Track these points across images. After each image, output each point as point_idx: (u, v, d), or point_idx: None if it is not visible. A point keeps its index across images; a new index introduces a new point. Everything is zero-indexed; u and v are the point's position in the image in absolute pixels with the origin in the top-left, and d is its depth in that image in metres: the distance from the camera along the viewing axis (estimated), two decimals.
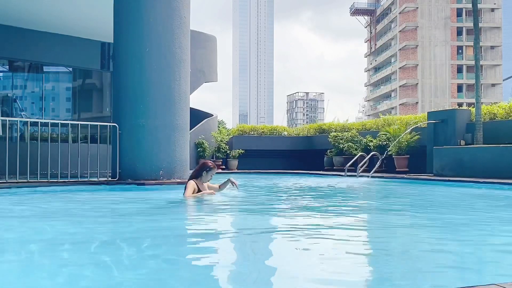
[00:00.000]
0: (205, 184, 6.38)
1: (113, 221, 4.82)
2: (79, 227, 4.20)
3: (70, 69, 15.18)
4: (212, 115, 19.73)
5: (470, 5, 51.90)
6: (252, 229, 4.14)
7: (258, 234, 3.84)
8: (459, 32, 67.55)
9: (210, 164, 6.36)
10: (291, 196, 7.66)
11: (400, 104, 69.35)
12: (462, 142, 12.14)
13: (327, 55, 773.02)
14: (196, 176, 6.31)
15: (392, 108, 72.23)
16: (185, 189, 6.23)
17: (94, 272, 2.50)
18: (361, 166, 13.41)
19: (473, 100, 14.44)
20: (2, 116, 12.43)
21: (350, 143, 16.00)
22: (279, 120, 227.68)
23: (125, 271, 2.55)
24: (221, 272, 2.61)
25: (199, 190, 6.24)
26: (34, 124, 12.44)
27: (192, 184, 6.18)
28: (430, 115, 13.52)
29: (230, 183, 6.61)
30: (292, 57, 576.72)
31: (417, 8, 67.98)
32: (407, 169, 13.80)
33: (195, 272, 2.59)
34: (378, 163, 13.48)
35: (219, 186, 6.76)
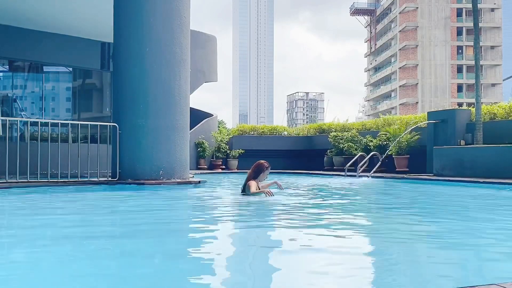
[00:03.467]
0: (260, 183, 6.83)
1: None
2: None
3: (70, 69, 15.18)
4: (212, 115, 19.74)
5: (470, 5, 51.90)
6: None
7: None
8: (459, 32, 67.55)
9: (266, 164, 6.77)
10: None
11: (400, 104, 69.36)
12: (462, 142, 12.14)
13: (325, 55, 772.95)
14: (254, 177, 6.70)
15: (392, 108, 72.23)
16: (248, 188, 6.58)
17: None
18: (361, 166, 13.41)
19: (473, 100, 14.44)
20: (2, 116, 12.43)
21: (350, 143, 16.01)
22: (279, 120, 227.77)
23: None
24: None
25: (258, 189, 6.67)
26: (34, 124, 12.44)
27: (254, 183, 6.63)
28: (430, 115, 13.52)
29: (275, 185, 7.07)
30: (291, 57, 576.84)
31: (417, 8, 67.97)
32: (407, 169, 13.81)
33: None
34: (378, 163, 13.48)
35: (261, 187, 7.00)
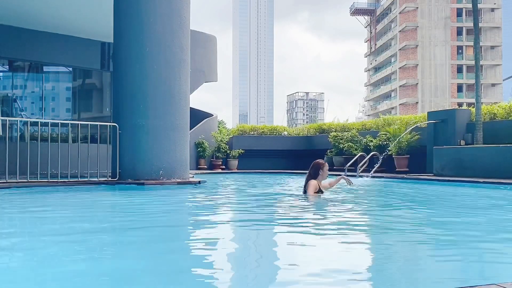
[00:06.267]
0: (322, 182, 6.76)
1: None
2: None
3: (70, 69, 15.17)
4: (212, 115, 19.73)
5: (470, 5, 51.89)
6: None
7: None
8: (459, 32, 67.51)
9: (321, 161, 6.73)
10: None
11: (400, 104, 69.33)
12: (462, 142, 12.14)
13: (325, 55, 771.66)
14: (314, 177, 6.63)
15: (392, 108, 72.20)
16: (307, 187, 6.57)
17: None
18: (361, 166, 13.41)
19: (473, 100, 14.44)
20: (2, 116, 12.42)
21: (350, 143, 16.00)
22: (279, 120, 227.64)
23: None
24: None
25: (319, 189, 6.59)
26: (34, 124, 12.44)
27: (314, 183, 6.56)
28: (430, 115, 13.53)
29: (343, 181, 6.98)
30: (291, 57, 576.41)
31: (417, 8, 67.94)
32: (407, 169, 13.80)
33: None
34: (378, 163, 13.48)
35: (329, 184, 6.99)
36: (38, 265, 2.70)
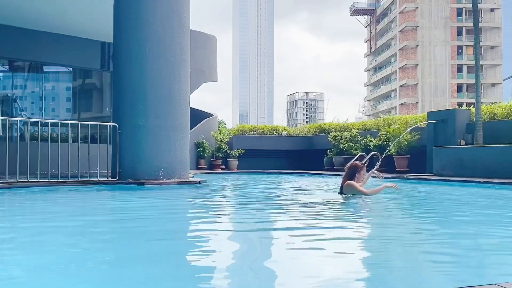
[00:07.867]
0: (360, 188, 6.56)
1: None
2: None
3: (70, 69, 15.18)
4: (212, 115, 19.75)
5: (470, 5, 51.90)
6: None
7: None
8: (459, 32, 67.52)
9: (359, 164, 6.59)
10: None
11: (400, 104, 69.34)
12: (462, 142, 12.14)
13: (325, 56, 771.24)
14: (350, 178, 6.47)
15: (392, 108, 72.22)
16: (351, 188, 6.35)
17: None
18: None
19: (473, 100, 14.45)
20: (2, 116, 12.42)
21: (350, 143, 16.01)
22: (279, 120, 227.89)
23: None
24: None
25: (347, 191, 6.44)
26: (34, 124, 12.44)
27: (356, 183, 6.39)
28: (430, 115, 13.53)
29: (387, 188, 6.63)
30: (291, 57, 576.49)
31: (417, 8, 67.96)
32: (407, 169, 13.80)
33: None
34: (377, 163, 13.47)
35: (371, 192, 6.63)
36: (37, 264, 2.70)
